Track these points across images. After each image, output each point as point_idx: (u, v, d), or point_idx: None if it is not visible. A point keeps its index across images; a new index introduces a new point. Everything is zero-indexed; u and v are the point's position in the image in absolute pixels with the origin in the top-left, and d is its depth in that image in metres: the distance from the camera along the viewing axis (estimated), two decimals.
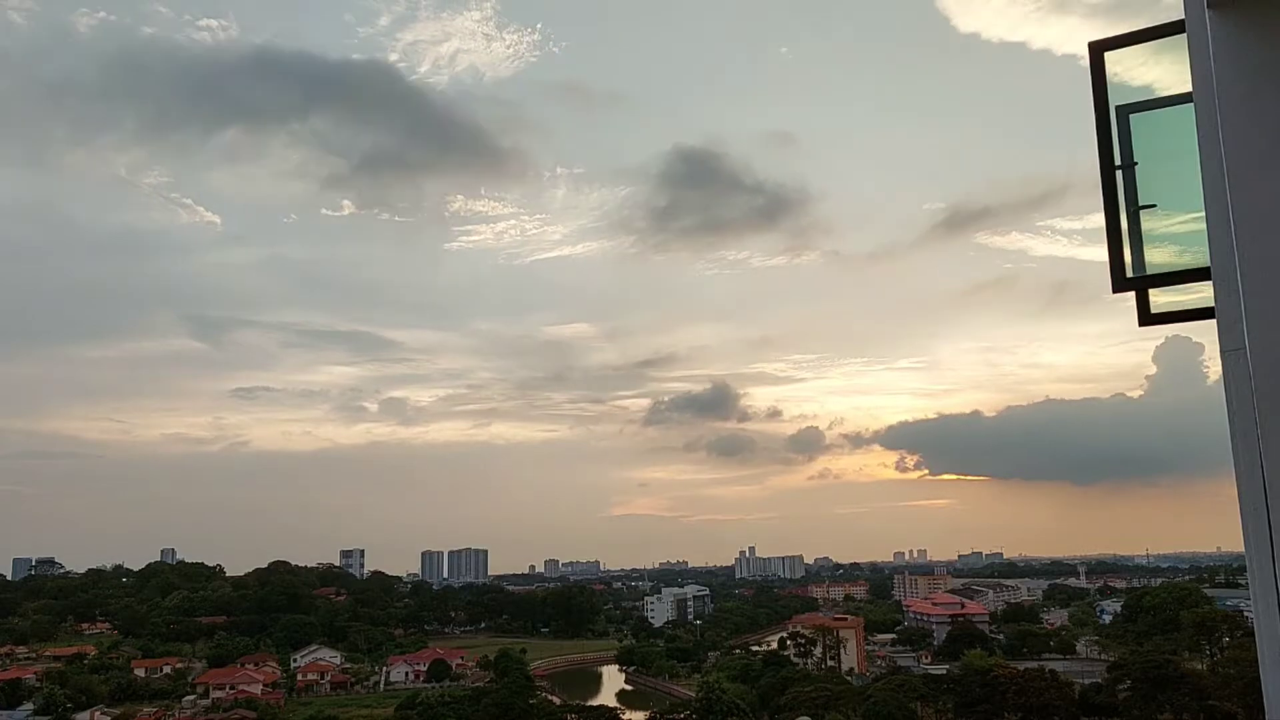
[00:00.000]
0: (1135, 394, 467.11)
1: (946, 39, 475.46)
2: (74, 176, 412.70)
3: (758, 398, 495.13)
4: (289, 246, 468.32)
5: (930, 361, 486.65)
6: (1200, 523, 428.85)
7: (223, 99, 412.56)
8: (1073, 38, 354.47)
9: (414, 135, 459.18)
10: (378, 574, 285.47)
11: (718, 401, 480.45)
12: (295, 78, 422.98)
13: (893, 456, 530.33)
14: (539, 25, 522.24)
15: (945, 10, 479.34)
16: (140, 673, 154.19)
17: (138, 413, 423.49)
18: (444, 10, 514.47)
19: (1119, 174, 6.07)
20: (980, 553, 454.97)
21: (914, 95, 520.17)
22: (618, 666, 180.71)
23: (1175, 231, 5.98)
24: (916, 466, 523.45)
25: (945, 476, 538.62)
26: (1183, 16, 5.08)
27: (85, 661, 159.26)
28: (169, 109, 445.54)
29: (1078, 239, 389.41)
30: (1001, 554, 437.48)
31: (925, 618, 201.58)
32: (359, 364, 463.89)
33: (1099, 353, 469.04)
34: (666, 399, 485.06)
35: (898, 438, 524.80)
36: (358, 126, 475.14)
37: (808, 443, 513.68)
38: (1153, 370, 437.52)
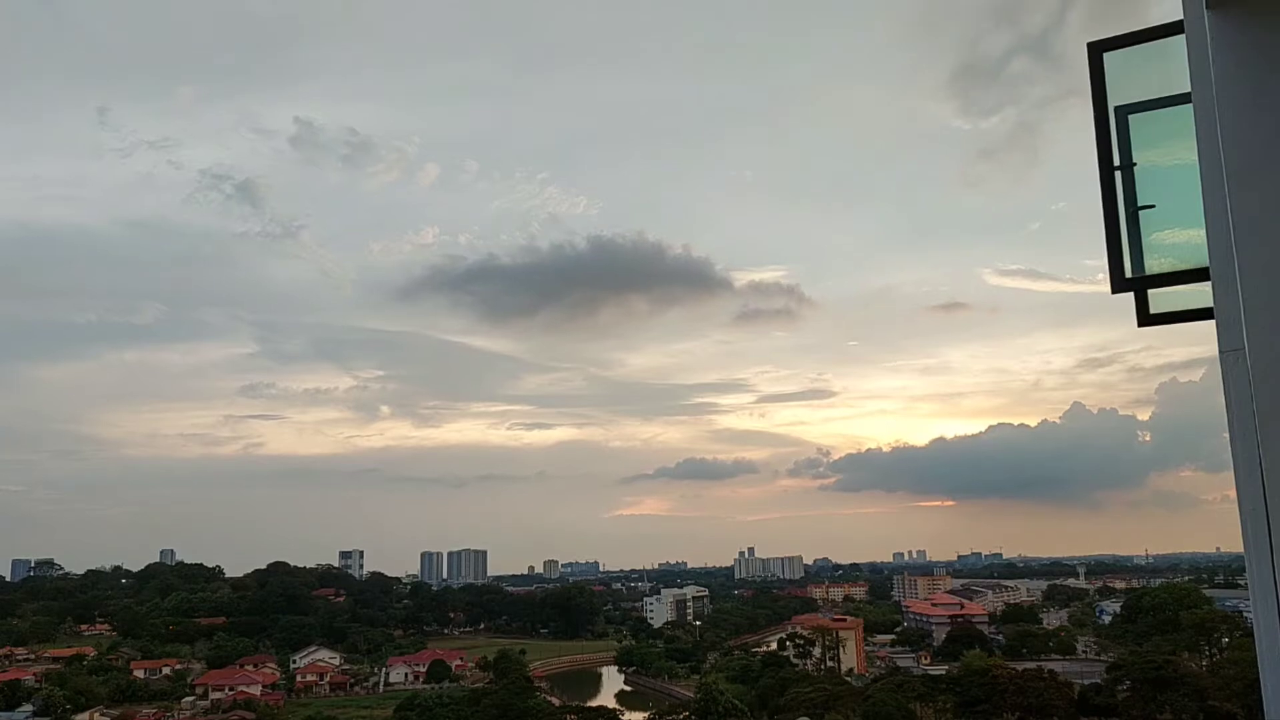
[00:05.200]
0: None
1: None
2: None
3: (757, 405, 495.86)
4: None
5: (939, 364, 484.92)
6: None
7: None
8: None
9: None
10: (377, 575, 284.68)
11: (719, 407, 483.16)
12: None
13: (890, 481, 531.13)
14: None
15: None
16: (139, 674, 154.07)
17: (162, 414, 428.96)
18: None
19: (1118, 175, 6.06)
20: (980, 553, 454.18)
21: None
22: (617, 667, 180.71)
23: (1174, 232, 5.98)
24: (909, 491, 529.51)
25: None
26: (1181, 17, 5.08)
27: (84, 663, 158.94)
28: None
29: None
30: (1001, 554, 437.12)
31: (925, 618, 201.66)
32: (375, 366, 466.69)
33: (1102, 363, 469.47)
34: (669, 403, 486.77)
35: (889, 465, 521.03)
36: None
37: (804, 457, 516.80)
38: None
